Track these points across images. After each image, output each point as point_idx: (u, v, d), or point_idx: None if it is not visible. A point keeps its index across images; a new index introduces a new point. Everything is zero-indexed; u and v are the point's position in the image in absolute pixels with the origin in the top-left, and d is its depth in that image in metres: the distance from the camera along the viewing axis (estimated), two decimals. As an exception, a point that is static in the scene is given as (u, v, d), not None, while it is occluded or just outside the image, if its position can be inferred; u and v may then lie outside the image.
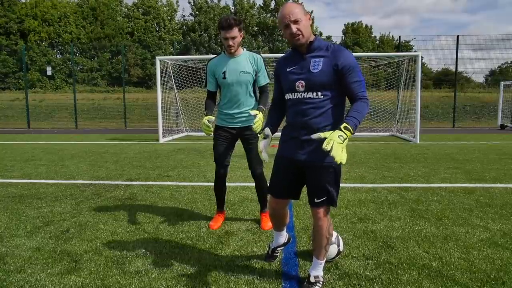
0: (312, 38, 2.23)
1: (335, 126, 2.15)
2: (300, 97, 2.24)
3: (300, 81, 2.22)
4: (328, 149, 1.94)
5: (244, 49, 3.34)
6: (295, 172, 2.35)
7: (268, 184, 2.57)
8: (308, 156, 2.26)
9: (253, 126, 2.91)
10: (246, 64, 3.26)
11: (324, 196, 2.27)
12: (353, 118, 2.07)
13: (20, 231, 3.40)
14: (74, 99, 17.46)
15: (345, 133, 2.00)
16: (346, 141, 1.99)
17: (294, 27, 2.15)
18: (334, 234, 2.64)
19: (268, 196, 2.58)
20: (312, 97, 2.21)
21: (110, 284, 2.42)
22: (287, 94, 2.32)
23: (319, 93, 2.19)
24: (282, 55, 2.46)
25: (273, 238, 2.75)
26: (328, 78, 2.16)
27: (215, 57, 3.40)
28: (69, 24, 34.74)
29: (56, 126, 18.08)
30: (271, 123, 2.50)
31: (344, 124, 2.04)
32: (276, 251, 2.74)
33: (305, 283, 2.37)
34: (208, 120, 3.12)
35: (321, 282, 2.35)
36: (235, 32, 3.11)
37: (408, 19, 75.22)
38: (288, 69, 2.29)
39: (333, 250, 2.60)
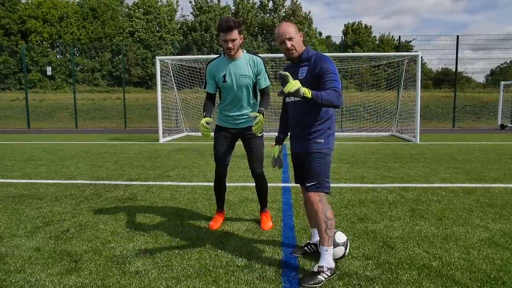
0: (302, 51, 2.59)
1: (322, 124, 2.56)
2: (293, 99, 2.61)
3: None
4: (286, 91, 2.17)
5: (244, 51, 3.31)
6: (296, 161, 2.75)
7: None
8: (300, 146, 2.63)
9: (253, 128, 2.91)
10: (246, 68, 3.24)
11: (313, 180, 2.51)
12: (318, 92, 2.26)
13: (20, 231, 3.41)
14: (74, 99, 17.46)
15: (302, 86, 2.18)
16: (296, 84, 2.13)
17: (289, 43, 2.54)
18: (344, 238, 2.70)
19: None
20: (300, 100, 2.47)
21: (110, 284, 2.42)
22: (286, 99, 2.74)
23: None
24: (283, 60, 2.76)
25: (311, 234, 2.93)
26: (311, 83, 2.42)
27: (215, 59, 3.36)
28: (70, 25, 34.74)
29: (56, 126, 18.09)
30: (283, 131, 2.93)
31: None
32: (310, 247, 2.84)
33: (309, 273, 2.45)
34: (206, 122, 3.08)
35: (325, 273, 2.39)
36: (234, 34, 3.06)
37: (409, 20, 75.30)
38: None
39: (339, 251, 2.64)
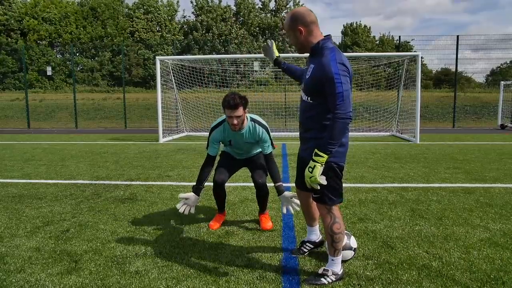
0: (313, 43, 2.32)
1: (320, 131, 2.31)
2: (302, 98, 2.44)
3: (303, 83, 2.45)
4: (308, 186, 2.26)
5: (248, 118, 3.29)
6: (303, 167, 2.48)
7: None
8: (304, 152, 2.46)
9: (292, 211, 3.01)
10: (249, 137, 3.31)
11: (317, 193, 2.37)
12: (323, 140, 2.19)
13: (20, 231, 3.40)
14: (74, 99, 17.46)
15: (315, 160, 2.18)
16: (317, 167, 2.18)
17: (289, 39, 2.39)
18: (355, 244, 2.72)
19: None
20: (305, 100, 2.41)
21: (110, 284, 2.42)
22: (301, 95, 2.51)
23: (309, 98, 2.37)
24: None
25: (307, 231, 2.91)
26: (314, 86, 2.29)
27: (219, 124, 3.34)
28: (70, 24, 34.71)
29: (56, 126, 18.09)
30: None
31: (315, 150, 2.20)
32: (305, 246, 2.84)
33: (313, 274, 2.46)
34: (179, 197, 3.08)
35: (329, 277, 2.40)
36: (240, 111, 3.09)
37: (409, 20, 75.26)
38: (305, 68, 2.50)
39: (348, 254, 2.66)
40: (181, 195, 3.09)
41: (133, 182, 5.40)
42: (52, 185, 5.26)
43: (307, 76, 2.35)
